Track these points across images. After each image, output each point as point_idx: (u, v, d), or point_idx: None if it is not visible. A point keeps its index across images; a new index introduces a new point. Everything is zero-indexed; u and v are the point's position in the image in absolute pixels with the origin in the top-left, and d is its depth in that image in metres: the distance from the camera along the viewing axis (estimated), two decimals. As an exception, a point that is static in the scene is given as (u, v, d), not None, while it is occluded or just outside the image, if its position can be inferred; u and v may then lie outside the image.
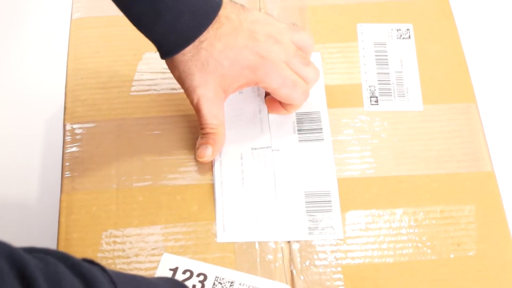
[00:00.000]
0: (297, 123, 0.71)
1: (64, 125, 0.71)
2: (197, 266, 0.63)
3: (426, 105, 0.73)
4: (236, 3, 0.66)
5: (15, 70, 1.02)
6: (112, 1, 0.64)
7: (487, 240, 0.65)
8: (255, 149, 0.70)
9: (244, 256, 0.64)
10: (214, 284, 0.62)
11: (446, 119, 0.72)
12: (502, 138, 0.95)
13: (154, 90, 0.73)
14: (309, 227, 0.66)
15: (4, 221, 0.89)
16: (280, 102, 0.70)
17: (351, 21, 0.78)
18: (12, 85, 1.01)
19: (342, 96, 0.73)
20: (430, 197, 0.68)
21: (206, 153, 0.67)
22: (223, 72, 0.65)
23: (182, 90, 0.67)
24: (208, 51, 0.64)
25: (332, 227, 0.66)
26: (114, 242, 0.65)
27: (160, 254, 0.64)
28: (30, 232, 0.88)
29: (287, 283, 0.63)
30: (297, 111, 0.71)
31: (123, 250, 0.64)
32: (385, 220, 0.67)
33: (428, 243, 0.65)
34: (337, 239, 0.65)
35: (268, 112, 0.71)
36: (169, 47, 0.64)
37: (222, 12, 0.64)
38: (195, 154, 0.69)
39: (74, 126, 0.71)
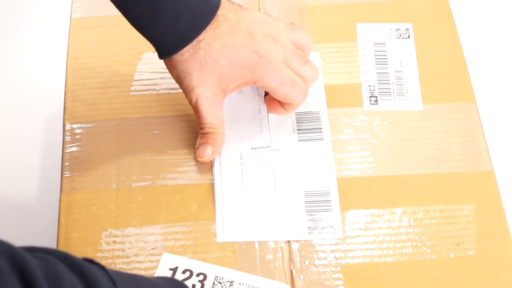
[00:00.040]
0: (296, 123, 0.71)
1: (64, 125, 0.72)
2: (196, 266, 0.63)
3: (425, 104, 0.73)
4: (234, 3, 0.66)
5: (14, 70, 1.02)
6: (111, 1, 0.64)
7: (487, 240, 0.66)
8: (255, 148, 0.70)
9: (244, 255, 0.64)
10: (213, 283, 0.62)
11: (446, 118, 0.72)
12: (502, 138, 0.95)
13: (154, 90, 0.73)
14: (308, 227, 0.66)
15: (4, 221, 0.89)
16: (279, 102, 0.70)
17: (350, 21, 0.78)
18: (11, 85, 1.01)
19: (341, 96, 0.73)
20: (429, 197, 0.68)
21: (206, 152, 0.67)
22: (221, 71, 0.65)
23: (181, 90, 0.67)
24: (206, 51, 0.64)
25: (331, 226, 0.66)
26: (114, 242, 0.65)
27: (160, 254, 0.64)
28: (30, 231, 0.88)
29: (286, 283, 0.63)
30: (297, 111, 0.71)
31: (123, 250, 0.64)
32: (385, 219, 0.67)
33: (428, 243, 0.65)
34: (337, 239, 0.65)
35: (268, 112, 0.72)
36: (167, 47, 0.64)
37: (220, 12, 0.64)
38: (194, 154, 0.69)
39: (74, 126, 0.71)
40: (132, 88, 0.73)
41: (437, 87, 0.74)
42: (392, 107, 0.73)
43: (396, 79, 0.74)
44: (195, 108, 0.67)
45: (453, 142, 0.71)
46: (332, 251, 0.65)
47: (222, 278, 0.62)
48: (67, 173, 0.68)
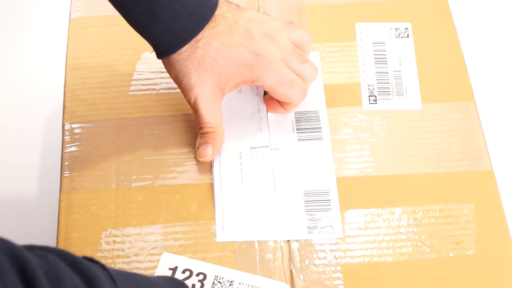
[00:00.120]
0: (296, 122, 0.71)
1: (63, 125, 0.72)
2: (196, 266, 0.63)
3: (425, 104, 0.73)
4: (231, 3, 0.66)
5: (14, 70, 1.02)
6: (109, 1, 0.64)
7: (486, 239, 0.66)
8: (254, 148, 0.70)
9: (244, 255, 0.64)
10: (213, 283, 0.62)
11: (445, 118, 0.72)
12: (501, 137, 0.95)
13: (153, 89, 0.73)
14: (308, 226, 0.66)
15: (4, 221, 0.89)
16: (278, 101, 0.70)
17: (349, 21, 0.78)
18: (11, 84, 1.01)
19: (341, 95, 0.73)
20: (429, 196, 0.68)
21: (207, 152, 0.67)
22: (219, 70, 0.65)
23: (180, 90, 0.67)
24: (204, 50, 0.64)
25: (331, 226, 0.66)
26: (114, 242, 0.65)
27: (160, 254, 0.64)
28: (30, 231, 0.88)
29: (286, 282, 0.63)
30: (296, 110, 0.71)
31: (123, 250, 0.64)
32: (385, 219, 0.67)
33: (428, 242, 0.65)
34: (337, 238, 0.66)
35: (267, 111, 0.72)
36: (165, 47, 0.64)
37: (218, 12, 0.64)
38: (195, 154, 0.69)
39: (73, 125, 0.71)
40: (132, 88, 0.73)
41: (436, 87, 0.74)
42: (391, 107, 0.73)
43: (395, 79, 0.75)
44: (194, 108, 0.67)
45: (453, 142, 0.71)
46: (331, 250, 0.65)
47: (222, 278, 0.62)
48: (66, 173, 0.69)
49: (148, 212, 0.66)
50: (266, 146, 0.70)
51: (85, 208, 0.67)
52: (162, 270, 0.63)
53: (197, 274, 0.63)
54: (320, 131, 0.71)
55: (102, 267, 0.48)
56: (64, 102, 0.73)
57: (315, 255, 0.65)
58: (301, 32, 0.68)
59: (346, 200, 0.67)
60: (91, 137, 0.71)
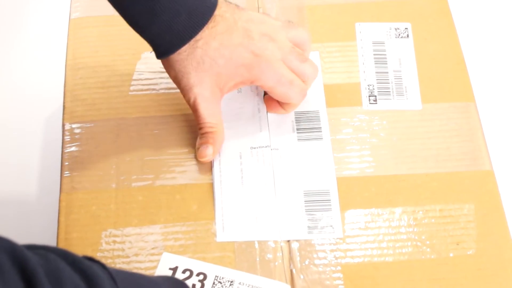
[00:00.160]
0: (296, 122, 0.71)
1: (63, 125, 0.72)
2: (196, 266, 0.63)
3: (425, 104, 0.73)
4: (231, 3, 0.66)
5: (14, 70, 1.02)
6: (109, 1, 0.64)
7: (486, 239, 0.66)
8: (254, 148, 0.70)
9: (244, 255, 0.64)
10: (213, 283, 0.62)
11: (445, 118, 0.72)
12: (501, 137, 0.95)
13: (153, 89, 0.73)
14: (308, 226, 0.66)
15: (4, 221, 0.89)
16: (278, 101, 0.70)
17: (349, 20, 0.78)
18: (11, 84, 1.01)
19: (341, 95, 0.73)
20: (429, 196, 0.68)
21: (207, 152, 0.67)
22: (219, 70, 0.65)
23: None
24: (204, 50, 0.64)
25: (331, 226, 0.66)
26: (114, 242, 0.65)
27: (160, 254, 0.64)
28: (30, 231, 0.88)
29: (286, 282, 0.63)
30: (296, 110, 0.71)
31: (123, 250, 0.64)
32: (385, 219, 0.67)
33: (428, 242, 0.65)
34: (337, 238, 0.66)
35: (267, 111, 0.72)
36: (164, 47, 0.64)
37: (217, 12, 0.64)
38: (195, 154, 0.69)
39: (73, 125, 0.71)
40: (132, 88, 0.73)
41: (436, 87, 0.74)
42: (391, 107, 0.73)
43: (395, 79, 0.75)
44: (193, 108, 0.67)
45: (453, 142, 0.71)
46: (332, 250, 0.65)
47: (222, 278, 0.62)
48: (66, 173, 0.69)
49: (148, 212, 0.66)
50: (266, 146, 0.70)
51: (85, 208, 0.67)
52: (162, 270, 0.63)
53: (197, 274, 0.63)
54: (320, 131, 0.71)
55: (103, 266, 0.48)
56: (64, 102, 0.73)
57: (315, 255, 0.65)
58: (300, 31, 0.68)
59: (346, 200, 0.67)
60: (91, 137, 0.71)
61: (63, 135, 0.71)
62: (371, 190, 0.68)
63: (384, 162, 0.70)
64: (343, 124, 0.72)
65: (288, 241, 0.65)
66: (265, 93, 0.72)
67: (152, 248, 0.65)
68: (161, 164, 0.69)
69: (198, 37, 0.63)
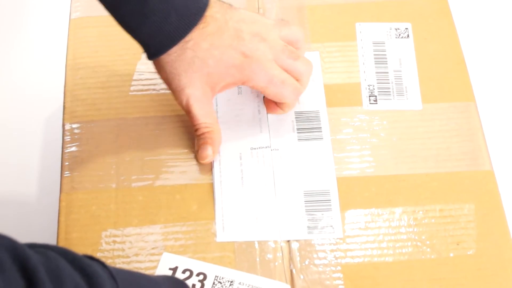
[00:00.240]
0: (296, 122, 0.71)
1: (63, 125, 0.72)
2: (196, 266, 0.63)
3: (425, 104, 0.73)
4: (224, 2, 0.66)
5: (14, 70, 1.02)
6: (100, 2, 0.64)
7: (487, 239, 0.66)
8: (254, 148, 0.70)
9: (244, 255, 0.64)
10: (213, 283, 0.62)
11: (445, 118, 0.72)
12: (501, 137, 0.95)
13: (153, 89, 0.73)
14: (308, 226, 0.66)
15: (4, 221, 0.90)
16: (275, 102, 0.70)
17: (349, 20, 0.78)
18: (11, 84, 1.01)
19: (341, 95, 0.73)
20: (429, 196, 0.68)
21: (207, 153, 0.67)
22: (209, 70, 0.64)
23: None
24: (194, 51, 0.63)
25: (331, 226, 0.66)
26: (114, 242, 0.65)
27: (160, 254, 0.64)
28: (30, 231, 0.88)
29: (286, 282, 0.63)
30: (296, 110, 0.71)
31: (123, 250, 0.64)
32: (385, 219, 0.67)
33: (428, 242, 0.65)
34: (337, 238, 0.66)
35: (267, 112, 0.71)
36: (155, 48, 0.64)
37: (208, 12, 0.64)
38: (195, 156, 0.68)
39: (74, 125, 0.71)
40: (132, 88, 0.73)
41: (436, 87, 0.74)
42: (391, 107, 0.73)
43: (395, 79, 0.75)
44: (187, 109, 0.66)
45: (453, 142, 0.71)
46: (332, 250, 0.65)
47: (222, 278, 0.62)
48: (66, 173, 0.69)
49: (148, 212, 0.66)
50: (266, 147, 0.70)
51: (85, 208, 0.67)
52: (162, 270, 0.63)
53: (197, 274, 0.63)
54: (320, 131, 0.71)
55: (103, 265, 0.49)
56: (64, 102, 0.73)
57: (315, 255, 0.65)
58: (293, 29, 0.68)
59: (346, 200, 0.67)
60: (91, 137, 0.71)
61: (63, 135, 0.71)
62: (371, 190, 0.68)
63: (384, 162, 0.69)
64: (343, 124, 0.72)
65: (288, 241, 0.65)
66: (265, 94, 0.72)
67: (152, 248, 0.65)
68: (161, 164, 0.69)
69: (188, 38, 0.63)
